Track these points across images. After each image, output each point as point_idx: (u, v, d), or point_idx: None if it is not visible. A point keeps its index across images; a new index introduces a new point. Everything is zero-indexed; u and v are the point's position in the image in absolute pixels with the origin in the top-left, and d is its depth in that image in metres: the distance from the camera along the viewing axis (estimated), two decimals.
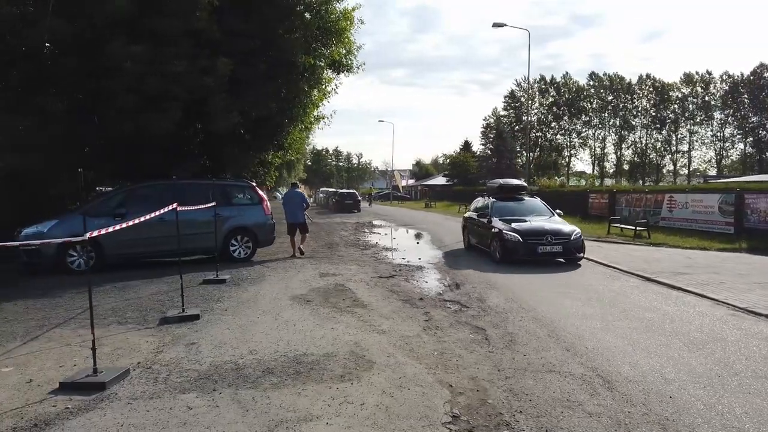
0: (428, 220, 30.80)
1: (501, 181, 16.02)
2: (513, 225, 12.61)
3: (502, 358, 5.57)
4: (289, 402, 4.34)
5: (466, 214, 16.40)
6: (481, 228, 14.00)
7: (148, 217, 6.55)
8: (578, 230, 12.76)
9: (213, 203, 10.11)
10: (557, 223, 13.14)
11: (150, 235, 10.76)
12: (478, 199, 15.99)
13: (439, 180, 77.33)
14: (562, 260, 12.45)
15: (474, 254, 14.17)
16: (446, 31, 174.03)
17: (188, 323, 6.79)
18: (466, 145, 73.17)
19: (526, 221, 12.96)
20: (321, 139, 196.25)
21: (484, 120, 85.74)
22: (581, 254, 12.45)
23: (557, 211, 14.35)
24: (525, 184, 16.47)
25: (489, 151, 70.52)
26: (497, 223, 12.96)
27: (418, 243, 18.37)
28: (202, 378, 4.87)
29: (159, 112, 11.62)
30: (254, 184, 13.48)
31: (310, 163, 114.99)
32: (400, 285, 9.83)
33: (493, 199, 14.32)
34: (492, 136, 72.11)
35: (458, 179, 64.43)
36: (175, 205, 7.36)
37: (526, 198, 14.85)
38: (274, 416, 4.08)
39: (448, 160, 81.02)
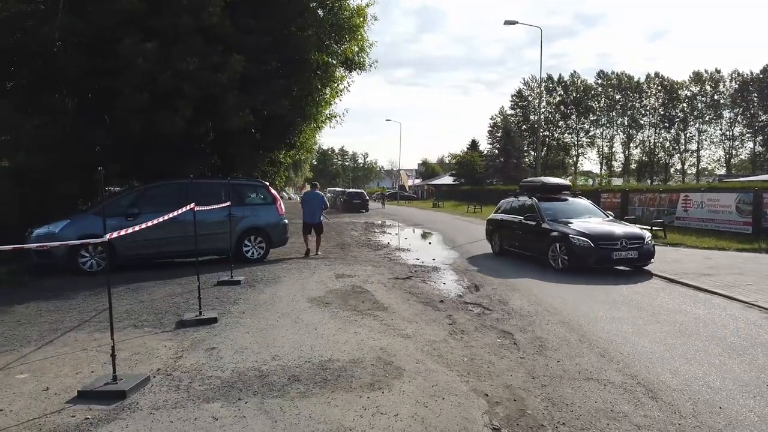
0: (437, 219, 30.56)
1: (543, 179, 14.97)
2: (577, 228, 11.27)
3: (535, 365, 5.34)
4: (319, 412, 4.13)
5: (494, 216, 14.75)
6: (527, 232, 12.57)
7: (167, 217, 6.37)
8: (648, 233, 11.63)
9: (228, 203, 9.91)
10: (623, 225, 12.01)
11: (162, 236, 10.55)
12: (510, 199, 14.43)
13: (446, 179, 77.02)
14: (624, 268, 11.23)
15: (509, 260, 12.98)
16: (450, 31, 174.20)
17: (206, 327, 6.59)
18: (473, 145, 72.79)
19: (587, 223, 11.66)
20: (327, 138, 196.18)
21: (490, 119, 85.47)
22: (652, 260, 11.25)
23: (608, 212, 13.41)
24: (569, 183, 15.21)
25: (496, 151, 70.28)
26: (558, 226, 11.59)
27: (429, 243, 18.13)
28: (226, 386, 4.65)
29: (170, 110, 11.44)
30: (267, 183, 13.28)
31: (315, 163, 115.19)
32: (418, 286, 9.61)
33: (536, 200, 12.86)
34: (499, 135, 71.91)
35: (465, 179, 64.10)
36: (192, 205, 7.16)
37: (570, 198, 13.44)
38: (305, 428, 3.86)
39: (454, 160, 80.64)
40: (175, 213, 6.71)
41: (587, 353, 5.71)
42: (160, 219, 6.25)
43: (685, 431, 3.90)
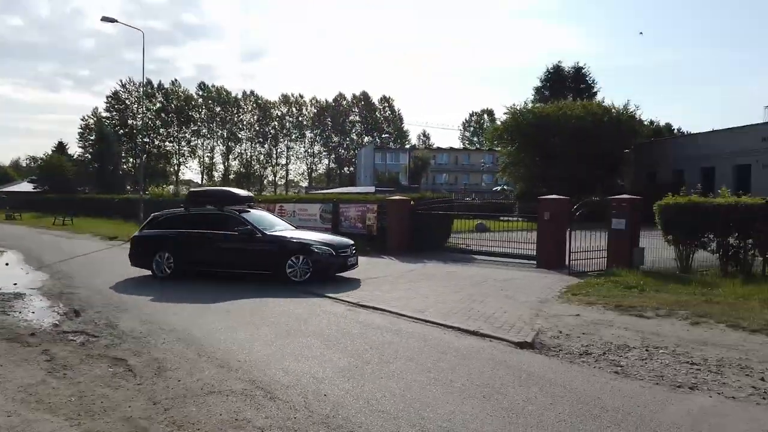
0: (15, 234, 25.65)
1: (231, 189, 14.52)
2: (313, 237, 11.69)
3: (155, 389, 5.09)
4: None
5: (152, 232, 12.55)
6: (239, 245, 11.42)
7: None
8: None
9: None
10: (331, 234, 13.07)
11: None
12: (177, 210, 13.07)
13: (25, 186, 65.32)
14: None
15: (180, 284, 11.09)
16: (31, 14, 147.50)
17: None
18: (61, 147, 64.25)
19: (321, 234, 12.41)
20: None
21: (82, 120, 76.89)
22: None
23: (285, 221, 13.92)
24: (252, 194, 15.34)
25: (90, 155, 63.96)
26: (285, 236, 11.56)
27: (7, 264, 15.05)
28: None
29: None
30: None
31: None
32: None
33: (236, 211, 11.99)
34: (93, 138, 65.75)
35: (51, 186, 55.77)
36: None
37: (252, 210, 12.70)
38: None
39: (36, 164, 69.52)
40: None
41: (207, 367, 5.76)
42: None
43: (300, 423, 4.36)
